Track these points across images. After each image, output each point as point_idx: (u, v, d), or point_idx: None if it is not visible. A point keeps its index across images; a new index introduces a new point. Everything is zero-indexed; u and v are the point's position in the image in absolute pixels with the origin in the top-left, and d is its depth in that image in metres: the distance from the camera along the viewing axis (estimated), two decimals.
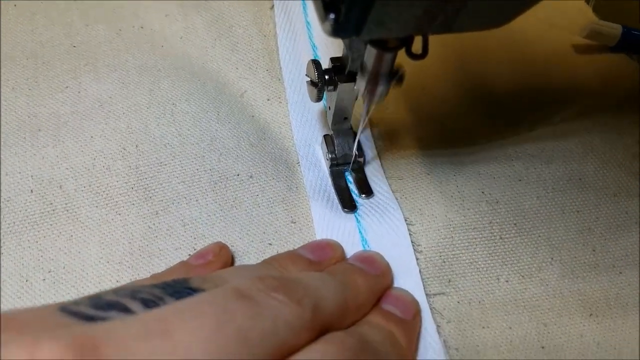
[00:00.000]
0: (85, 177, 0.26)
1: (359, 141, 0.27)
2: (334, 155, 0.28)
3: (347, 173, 0.29)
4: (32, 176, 0.26)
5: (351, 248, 0.26)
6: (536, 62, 0.35)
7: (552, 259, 0.28)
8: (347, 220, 0.27)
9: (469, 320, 0.25)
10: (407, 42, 0.21)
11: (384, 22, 0.18)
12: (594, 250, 0.28)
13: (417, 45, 0.22)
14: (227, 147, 0.28)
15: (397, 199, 0.28)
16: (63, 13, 0.32)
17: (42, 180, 0.26)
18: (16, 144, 0.27)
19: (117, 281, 0.24)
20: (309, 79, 0.26)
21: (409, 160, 0.29)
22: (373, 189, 0.28)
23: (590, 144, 0.30)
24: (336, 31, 0.18)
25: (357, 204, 0.27)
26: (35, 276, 0.24)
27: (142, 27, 0.32)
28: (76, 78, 0.29)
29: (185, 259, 0.25)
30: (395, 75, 0.23)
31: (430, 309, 0.25)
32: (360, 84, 0.23)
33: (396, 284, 0.25)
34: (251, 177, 0.28)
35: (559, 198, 0.29)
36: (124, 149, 0.27)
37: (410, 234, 0.27)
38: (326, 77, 0.25)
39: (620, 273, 0.28)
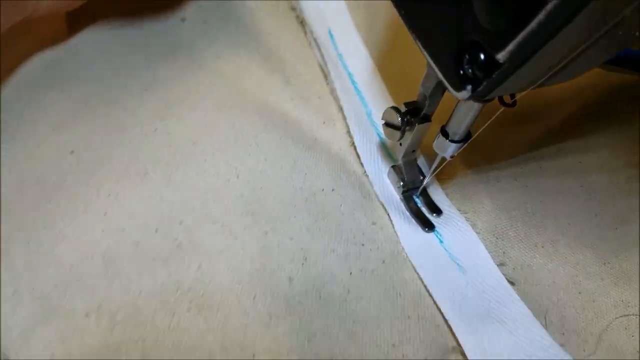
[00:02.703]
0: (201, 210, 0.29)
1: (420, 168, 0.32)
2: (404, 183, 0.32)
3: (414, 196, 0.33)
4: (153, 217, 0.28)
5: (433, 253, 0.31)
6: None
7: (568, 224, 0.34)
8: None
9: (525, 282, 0.31)
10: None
11: (506, 89, 0.23)
12: (596, 215, 0.35)
13: None
14: (308, 167, 0.32)
15: (446, 194, 0.33)
16: None
17: (163, 219, 0.28)
18: (131, 187, 0.29)
19: (254, 297, 0.27)
20: (383, 121, 0.30)
21: (459, 176, 0.34)
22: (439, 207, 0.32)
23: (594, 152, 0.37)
24: (470, 97, 0.23)
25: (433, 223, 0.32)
26: (180, 307, 0.27)
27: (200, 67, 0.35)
28: (162, 120, 0.31)
29: (299, 267, 0.29)
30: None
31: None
32: (442, 147, 0.28)
33: (474, 266, 0.31)
34: (333, 190, 0.32)
35: (570, 180, 0.35)
36: (228, 181, 0.30)
37: (467, 220, 0.32)
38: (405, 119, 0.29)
39: (616, 229, 0.35)
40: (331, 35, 0.38)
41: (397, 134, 0.30)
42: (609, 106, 0.40)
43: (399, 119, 0.29)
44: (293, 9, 0.39)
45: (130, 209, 0.28)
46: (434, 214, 0.32)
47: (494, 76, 0.22)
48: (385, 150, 0.35)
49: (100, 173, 0.30)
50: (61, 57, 0.34)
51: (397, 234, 0.31)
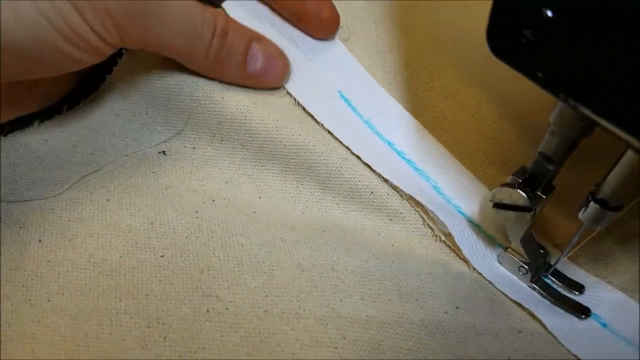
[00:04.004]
0: None
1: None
2: (529, 267, 0.25)
3: (543, 277, 0.26)
4: None
5: (604, 343, 0.23)
6: None
7: None
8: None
9: None
10: None
11: None
12: None
13: None
14: (413, 287, 0.23)
15: (573, 261, 0.26)
16: None
17: None
18: None
19: None
20: (492, 203, 0.23)
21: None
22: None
23: None
24: None
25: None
26: None
27: (213, 201, 0.25)
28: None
29: None
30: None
31: None
32: (598, 218, 0.21)
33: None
34: (457, 308, 0.23)
35: None
36: (344, 337, 0.20)
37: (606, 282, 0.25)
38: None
39: None
40: (345, 99, 0.29)
41: (526, 216, 0.23)
42: None
43: (526, 198, 0.22)
44: (289, 93, 0.29)
45: None
46: (576, 292, 0.25)
47: None
48: (478, 228, 0.27)
49: None
50: None
51: (554, 336, 0.23)
